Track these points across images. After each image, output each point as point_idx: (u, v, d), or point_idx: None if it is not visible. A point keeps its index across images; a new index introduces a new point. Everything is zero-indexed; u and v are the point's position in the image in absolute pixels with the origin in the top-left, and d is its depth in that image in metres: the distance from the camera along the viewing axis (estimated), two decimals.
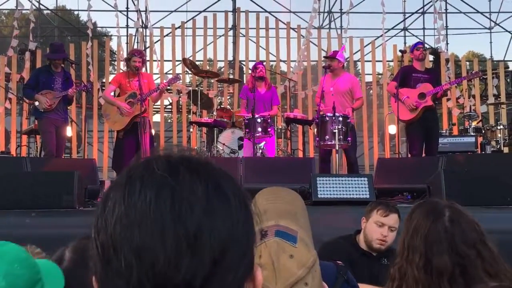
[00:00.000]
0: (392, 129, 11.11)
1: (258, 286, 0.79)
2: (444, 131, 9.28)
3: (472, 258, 1.74)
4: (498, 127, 9.22)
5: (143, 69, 8.00)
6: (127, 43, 13.53)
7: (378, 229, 3.42)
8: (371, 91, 12.69)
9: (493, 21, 15.44)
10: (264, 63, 9.61)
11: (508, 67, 13.78)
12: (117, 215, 0.73)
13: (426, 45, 8.30)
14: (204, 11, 13.99)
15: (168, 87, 10.56)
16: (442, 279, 1.74)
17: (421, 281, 1.78)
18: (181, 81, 10.46)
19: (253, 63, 9.71)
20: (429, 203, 1.96)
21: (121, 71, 11.99)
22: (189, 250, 0.70)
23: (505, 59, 15.16)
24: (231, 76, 11.92)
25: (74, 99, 8.43)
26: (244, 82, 10.80)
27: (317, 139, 7.16)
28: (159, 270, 0.70)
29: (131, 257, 0.70)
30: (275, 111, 8.53)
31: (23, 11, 12.69)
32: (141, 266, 0.70)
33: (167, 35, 12.14)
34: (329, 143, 7.03)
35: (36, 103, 7.56)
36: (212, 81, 11.18)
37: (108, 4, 13.68)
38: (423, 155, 7.55)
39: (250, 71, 8.94)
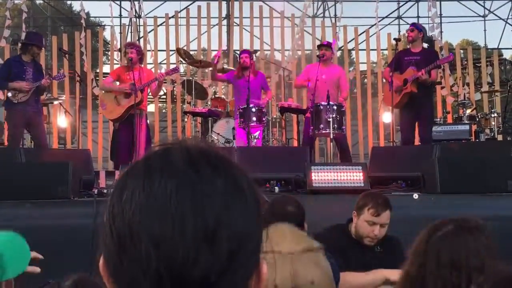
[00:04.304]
0: (386, 117, 11.12)
1: (263, 279, 0.79)
2: (438, 119, 9.29)
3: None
4: (492, 115, 9.23)
5: (142, 64, 7.92)
6: (120, 33, 13.47)
7: (370, 227, 3.38)
8: (365, 80, 12.67)
9: (487, 9, 15.44)
10: (258, 53, 9.56)
11: (502, 55, 13.80)
12: (136, 203, 0.72)
13: (417, 25, 8.24)
14: (197, 0, 13.92)
15: None
16: None
17: None
18: (178, 72, 10.41)
19: None
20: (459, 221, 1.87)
21: (114, 61, 11.97)
22: (208, 244, 0.70)
23: (499, 47, 15.18)
24: (225, 66, 11.87)
25: (47, 89, 8.28)
26: None
27: (311, 127, 7.18)
28: (177, 261, 0.70)
29: (149, 247, 0.70)
30: (268, 95, 8.54)
31: (16, 1, 12.60)
32: (160, 256, 0.70)
33: (160, 24, 12.08)
34: (323, 132, 7.05)
35: (9, 94, 7.41)
36: (206, 70, 11.15)
37: None
38: (417, 138, 7.64)
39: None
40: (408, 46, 7.98)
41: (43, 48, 7.85)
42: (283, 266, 1.45)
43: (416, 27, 7.87)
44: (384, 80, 8.66)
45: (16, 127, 7.54)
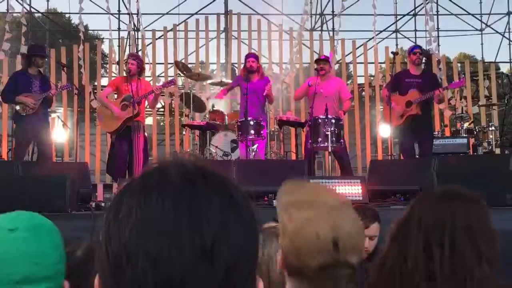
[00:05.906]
0: (384, 131, 11.12)
1: None
2: (436, 133, 9.31)
3: None
4: (490, 129, 9.26)
5: (141, 77, 7.87)
6: (119, 46, 13.50)
7: None
8: (363, 93, 12.70)
9: (484, 23, 15.49)
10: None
11: (499, 69, 13.85)
12: (132, 222, 0.71)
13: (423, 48, 8.26)
14: (196, 13, 13.97)
15: None
16: None
17: None
18: (175, 85, 10.43)
19: None
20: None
21: (113, 74, 11.97)
22: (205, 261, 0.70)
23: (496, 61, 15.21)
24: (224, 79, 11.90)
25: (54, 100, 8.32)
26: None
27: (310, 141, 7.17)
28: (175, 280, 0.69)
29: (146, 267, 0.69)
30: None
31: (15, 14, 12.63)
32: (157, 275, 0.69)
33: (159, 37, 12.12)
34: (321, 145, 7.04)
35: (17, 107, 7.41)
36: (205, 83, 11.17)
37: (100, 7, 13.65)
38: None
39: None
40: (404, 60, 8.01)
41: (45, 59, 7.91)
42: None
43: (421, 49, 7.90)
44: (381, 93, 8.67)
45: (23, 140, 7.53)
